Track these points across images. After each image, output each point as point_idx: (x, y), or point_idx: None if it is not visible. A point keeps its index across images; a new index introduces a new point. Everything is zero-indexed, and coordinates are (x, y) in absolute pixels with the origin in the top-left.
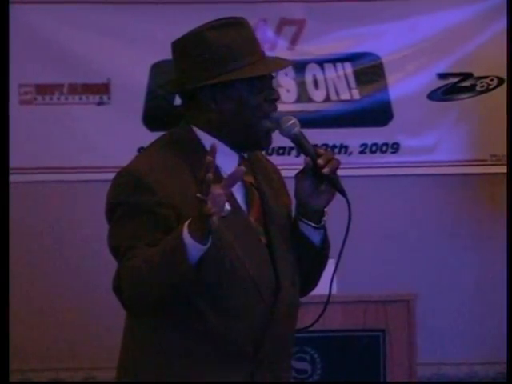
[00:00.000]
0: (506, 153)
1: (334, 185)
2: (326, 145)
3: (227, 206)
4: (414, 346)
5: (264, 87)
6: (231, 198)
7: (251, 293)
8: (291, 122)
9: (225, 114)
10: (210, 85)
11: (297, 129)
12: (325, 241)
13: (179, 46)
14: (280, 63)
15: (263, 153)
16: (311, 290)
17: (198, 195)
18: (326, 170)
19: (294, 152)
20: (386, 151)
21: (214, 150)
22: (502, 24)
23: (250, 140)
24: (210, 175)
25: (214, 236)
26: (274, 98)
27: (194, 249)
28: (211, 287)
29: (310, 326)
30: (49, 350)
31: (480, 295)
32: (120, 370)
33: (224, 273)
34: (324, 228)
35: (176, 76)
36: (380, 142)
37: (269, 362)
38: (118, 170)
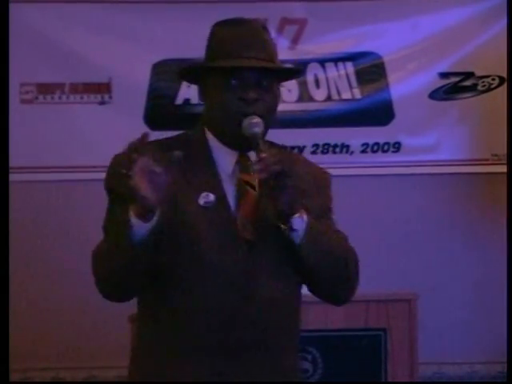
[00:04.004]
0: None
1: (273, 189)
2: (327, 144)
3: (211, 198)
4: (415, 345)
5: (240, 86)
6: (218, 192)
7: (220, 281)
8: (254, 120)
9: (206, 110)
10: (202, 81)
11: (257, 129)
12: (305, 243)
13: None
14: (249, 63)
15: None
16: (337, 294)
17: (122, 170)
18: (260, 176)
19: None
20: (387, 150)
21: (145, 136)
22: (504, 23)
23: (232, 140)
24: (134, 155)
25: (162, 216)
26: (247, 98)
27: (137, 225)
28: (180, 276)
29: None
30: (49, 349)
31: (481, 294)
32: (129, 364)
33: (193, 263)
34: (297, 230)
35: None
36: (381, 141)
37: (244, 352)
38: None
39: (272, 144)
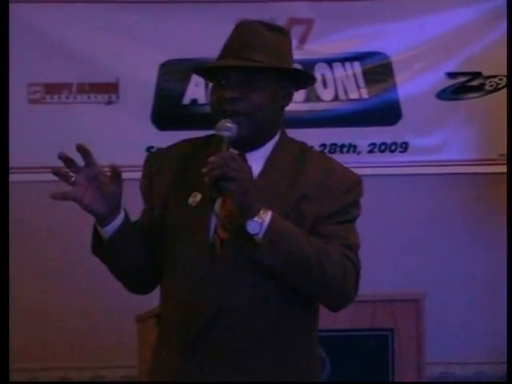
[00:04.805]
0: None
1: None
2: (334, 144)
3: (198, 198)
4: (423, 345)
5: (225, 86)
6: (207, 191)
7: (190, 281)
8: (225, 124)
9: None
10: None
11: (226, 133)
12: (263, 246)
13: None
14: (228, 62)
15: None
16: (330, 298)
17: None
18: (205, 179)
19: None
20: (394, 150)
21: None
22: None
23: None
24: (57, 168)
25: (125, 222)
26: (223, 97)
27: (99, 229)
28: (164, 275)
29: None
30: (57, 348)
31: (488, 294)
32: None
33: (171, 261)
34: (253, 233)
35: None
36: (389, 141)
37: (220, 353)
38: (125, 169)
39: (287, 140)
